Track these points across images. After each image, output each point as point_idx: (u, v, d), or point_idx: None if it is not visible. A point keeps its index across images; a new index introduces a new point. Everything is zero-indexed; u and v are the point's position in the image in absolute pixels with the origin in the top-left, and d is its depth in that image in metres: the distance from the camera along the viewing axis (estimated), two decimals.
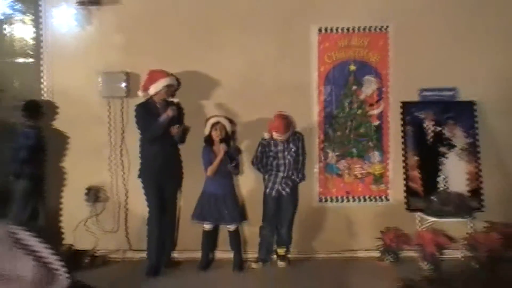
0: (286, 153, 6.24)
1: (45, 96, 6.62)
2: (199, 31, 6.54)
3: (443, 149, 6.62)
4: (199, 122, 6.34)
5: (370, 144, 6.72)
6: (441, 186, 6.53)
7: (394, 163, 6.68)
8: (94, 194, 6.64)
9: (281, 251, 6.46)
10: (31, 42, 6.72)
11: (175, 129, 6.07)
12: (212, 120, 6.25)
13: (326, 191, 6.73)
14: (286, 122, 6.15)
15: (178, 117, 6.19)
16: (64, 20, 6.62)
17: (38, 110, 6.43)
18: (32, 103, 6.44)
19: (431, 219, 6.32)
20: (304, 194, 6.55)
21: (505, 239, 6.01)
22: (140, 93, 6.15)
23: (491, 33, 6.52)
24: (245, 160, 6.53)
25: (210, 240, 6.39)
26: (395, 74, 6.63)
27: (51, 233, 6.47)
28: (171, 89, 6.22)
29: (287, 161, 6.26)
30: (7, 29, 6.72)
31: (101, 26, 6.61)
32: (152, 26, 6.56)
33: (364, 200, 6.75)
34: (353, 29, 6.64)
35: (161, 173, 6.08)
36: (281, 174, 6.27)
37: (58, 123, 6.65)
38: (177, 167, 6.34)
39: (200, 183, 6.26)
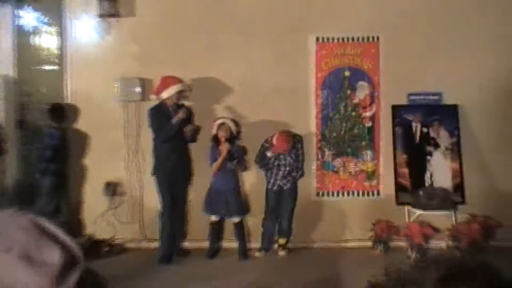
0: (286, 154, 6.27)
1: (68, 100, 6.65)
2: (207, 41, 6.55)
3: (429, 148, 6.62)
4: (208, 123, 6.36)
5: (363, 143, 6.73)
6: (428, 182, 6.54)
7: (385, 161, 6.69)
8: (112, 189, 6.67)
9: (282, 241, 6.46)
10: (56, 51, 6.74)
11: (188, 129, 6.11)
12: (218, 121, 6.28)
13: (323, 186, 6.74)
14: (288, 140, 6.14)
15: (188, 119, 6.23)
16: (86, 31, 6.65)
17: (62, 113, 6.46)
18: (56, 107, 6.47)
19: (418, 212, 6.31)
20: (303, 189, 6.55)
21: (484, 230, 6.01)
22: (153, 97, 6.18)
23: (472, 43, 6.51)
24: (249, 158, 6.55)
25: (216, 231, 6.41)
26: (386, 80, 6.64)
27: (73, 225, 6.50)
28: (182, 94, 6.26)
29: (287, 161, 6.29)
30: (35, 39, 6.75)
31: (119, 37, 6.64)
32: (164, 36, 6.59)
33: (358, 194, 6.75)
34: (348, 39, 6.65)
35: (173, 171, 6.10)
36: (281, 173, 6.30)
37: (80, 125, 6.68)
38: (187, 165, 6.36)
39: (208, 178, 6.30)
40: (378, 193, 6.73)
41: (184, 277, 5.63)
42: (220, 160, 6.17)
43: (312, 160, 6.67)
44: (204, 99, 6.59)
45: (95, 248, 6.31)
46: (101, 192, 6.65)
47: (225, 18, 6.58)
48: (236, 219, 6.32)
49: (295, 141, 6.29)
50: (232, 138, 6.29)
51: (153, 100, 6.19)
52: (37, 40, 6.75)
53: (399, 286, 0.80)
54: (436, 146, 6.61)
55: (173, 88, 6.03)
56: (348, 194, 6.75)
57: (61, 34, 6.68)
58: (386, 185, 6.66)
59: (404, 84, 6.59)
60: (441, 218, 6.30)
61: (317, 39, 6.63)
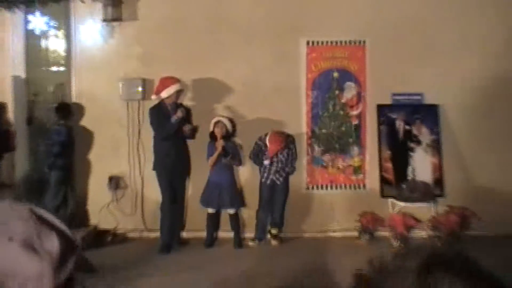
0: (278, 152, 6.26)
1: (74, 99, 6.63)
2: (207, 43, 6.53)
3: (411, 145, 6.63)
4: (209, 122, 6.32)
5: (350, 140, 6.73)
6: (410, 176, 6.56)
7: (370, 156, 6.70)
8: (115, 183, 6.66)
9: (274, 231, 6.46)
10: (63, 54, 6.73)
11: (186, 128, 6.09)
12: (214, 119, 6.27)
13: (312, 180, 6.74)
14: (281, 140, 6.11)
15: (187, 118, 6.21)
16: (91, 35, 6.63)
17: (68, 111, 6.43)
18: (63, 105, 6.45)
19: (401, 204, 6.33)
20: (294, 183, 6.54)
21: (462, 220, 6.04)
22: (153, 96, 6.16)
23: (453, 46, 6.52)
24: (244, 154, 6.54)
25: (213, 222, 6.40)
26: (372, 81, 6.65)
27: (79, 216, 6.49)
28: (181, 93, 6.24)
29: (280, 158, 6.27)
30: (43, 42, 6.73)
31: (122, 40, 6.62)
32: (165, 39, 6.56)
33: (345, 188, 6.76)
34: (336, 42, 6.66)
35: (173, 167, 6.09)
36: (274, 168, 6.29)
37: (85, 122, 6.66)
38: (186, 161, 6.34)
39: (206, 173, 6.29)
40: (364, 187, 6.74)
41: (183, 265, 5.63)
42: (215, 155, 6.16)
43: (303, 156, 6.66)
44: (206, 99, 6.58)
45: (99, 237, 6.34)
46: (104, 185, 6.63)
47: (224, 22, 6.55)
48: (232, 211, 6.31)
49: (288, 142, 6.28)
50: (228, 135, 6.27)
51: (153, 100, 6.17)
52: (45, 43, 6.74)
53: (382, 274, 0.79)
54: (418, 142, 6.62)
55: (172, 88, 6.02)
56: (336, 187, 6.75)
57: (68, 37, 6.67)
58: (372, 179, 6.67)
59: (388, 85, 6.60)
60: (422, 209, 6.31)
61: (308, 42, 6.63)
